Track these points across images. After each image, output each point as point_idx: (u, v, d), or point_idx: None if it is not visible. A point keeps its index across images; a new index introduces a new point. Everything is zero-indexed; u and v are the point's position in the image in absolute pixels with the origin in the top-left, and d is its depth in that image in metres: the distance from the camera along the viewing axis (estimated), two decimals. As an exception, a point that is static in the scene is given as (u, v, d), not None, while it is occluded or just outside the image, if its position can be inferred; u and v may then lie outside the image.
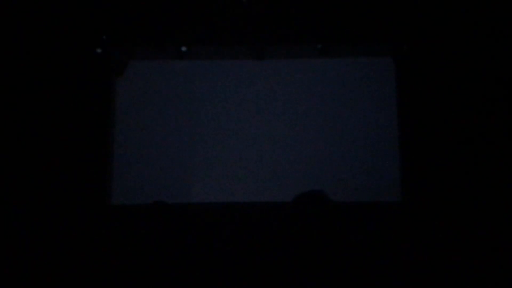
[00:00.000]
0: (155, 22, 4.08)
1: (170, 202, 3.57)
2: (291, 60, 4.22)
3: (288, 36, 4.07)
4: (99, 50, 4.06)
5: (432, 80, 3.97)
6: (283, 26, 4.07)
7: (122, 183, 4.09)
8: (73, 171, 3.91)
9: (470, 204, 3.71)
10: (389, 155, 4.03)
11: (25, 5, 4.02)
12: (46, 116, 3.96)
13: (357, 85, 4.16)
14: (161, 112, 4.20)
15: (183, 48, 4.10)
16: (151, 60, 4.24)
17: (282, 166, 4.09)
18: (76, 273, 3.43)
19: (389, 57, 4.09)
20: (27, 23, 4.02)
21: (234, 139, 4.15)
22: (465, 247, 3.53)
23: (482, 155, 3.81)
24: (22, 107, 3.95)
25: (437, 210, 3.75)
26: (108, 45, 4.09)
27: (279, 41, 4.09)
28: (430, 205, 3.79)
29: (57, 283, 3.37)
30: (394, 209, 3.86)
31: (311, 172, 4.03)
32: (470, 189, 3.75)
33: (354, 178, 4.00)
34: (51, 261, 3.51)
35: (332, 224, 2.33)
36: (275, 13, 4.07)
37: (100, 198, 3.96)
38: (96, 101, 4.05)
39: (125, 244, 3.34)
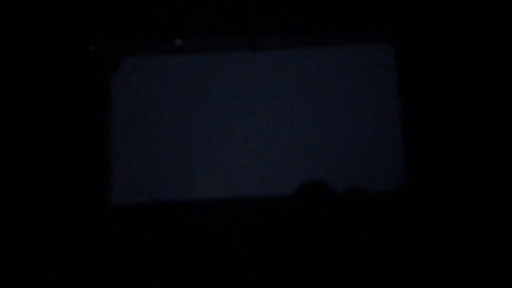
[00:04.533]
0: (148, 16, 4.03)
1: (169, 199, 3.54)
2: (289, 50, 4.15)
3: (285, 25, 4.02)
4: (93, 48, 4.03)
5: (434, 66, 3.89)
6: (279, 15, 4.01)
7: (121, 181, 4.04)
8: (71, 171, 3.86)
9: (475, 195, 3.66)
10: (391, 145, 3.97)
11: (16, 3, 3.96)
12: (41, 117, 3.91)
13: (358, 72, 4.10)
14: (158, 108, 4.15)
15: (177, 42, 4.06)
16: (145, 56, 4.19)
17: (283, 159, 4.03)
18: (77, 273, 3.43)
19: (389, 43, 4.03)
20: (17, 21, 3.97)
21: (233, 133, 4.10)
22: (469, 239, 3.49)
23: (487, 145, 3.73)
24: (16, 107, 3.91)
25: (441, 202, 3.70)
26: (102, 42, 4.05)
27: (276, 31, 4.04)
28: (434, 196, 3.74)
29: (57, 283, 3.37)
30: (396, 200, 3.82)
31: (312, 164, 3.96)
32: (475, 180, 3.68)
33: (356, 168, 3.93)
34: (51, 261, 3.51)
35: (334, 214, 2.28)
36: (270, 3, 4.02)
37: (99, 198, 3.91)
38: (92, 99, 4.01)
39: (126, 243, 3.32)
